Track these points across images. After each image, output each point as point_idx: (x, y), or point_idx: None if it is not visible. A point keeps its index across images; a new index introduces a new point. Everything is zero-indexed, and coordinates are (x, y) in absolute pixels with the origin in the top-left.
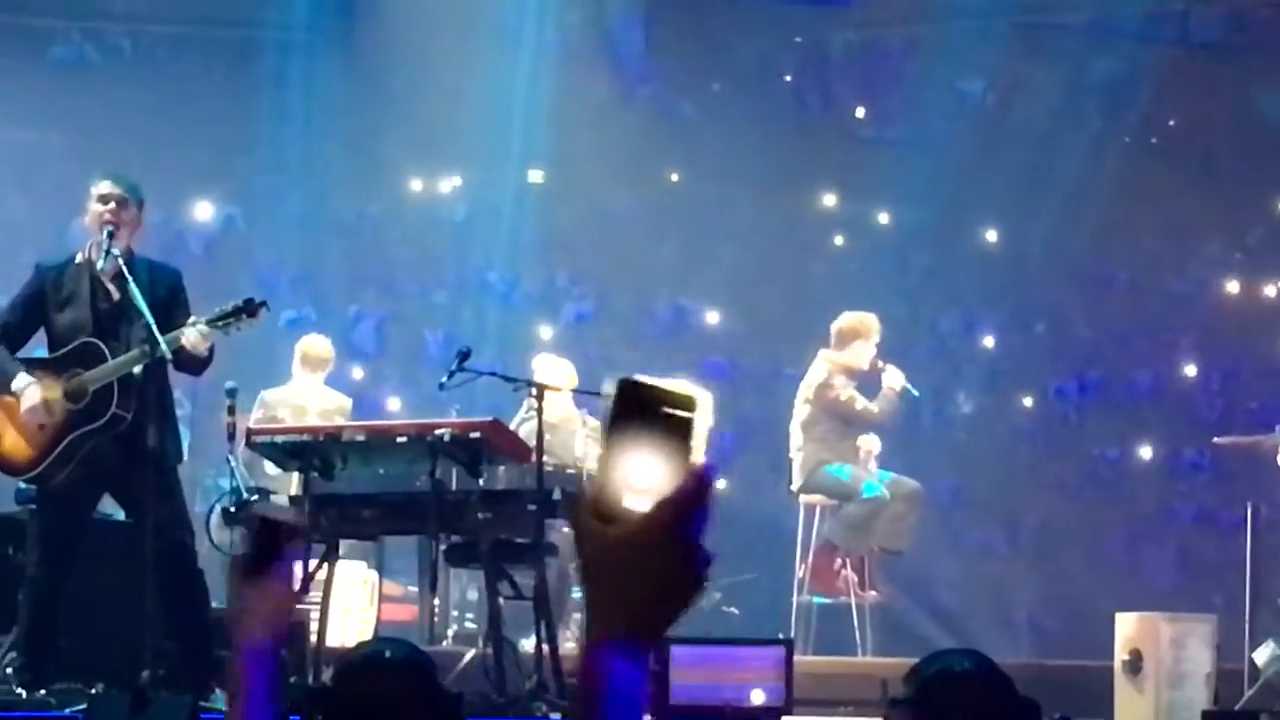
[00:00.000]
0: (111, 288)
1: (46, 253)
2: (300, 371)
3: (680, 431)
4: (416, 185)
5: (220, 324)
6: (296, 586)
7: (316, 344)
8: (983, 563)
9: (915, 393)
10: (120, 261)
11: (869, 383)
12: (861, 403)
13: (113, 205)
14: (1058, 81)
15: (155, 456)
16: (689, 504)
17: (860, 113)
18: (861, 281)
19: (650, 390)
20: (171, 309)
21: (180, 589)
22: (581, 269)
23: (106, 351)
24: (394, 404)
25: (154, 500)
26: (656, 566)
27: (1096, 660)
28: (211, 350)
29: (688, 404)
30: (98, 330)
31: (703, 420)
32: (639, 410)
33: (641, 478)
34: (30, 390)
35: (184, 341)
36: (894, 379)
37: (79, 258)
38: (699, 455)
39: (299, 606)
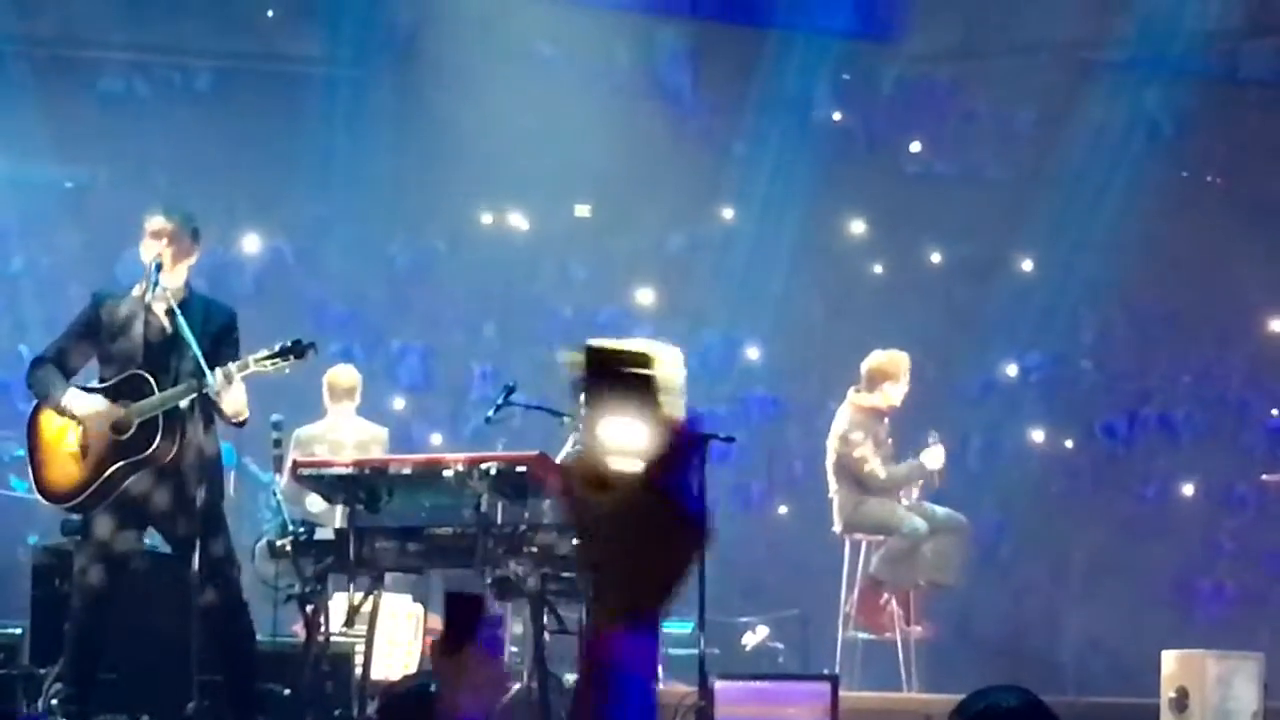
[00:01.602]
0: (164, 321)
1: (95, 286)
2: (330, 404)
3: (644, 388)
4: (465, 219)
5: (267, 363)
6: (501, 665)
7: (342, 373)
8: (1029, 599)
9: (936, 482)
10: (168, 294)
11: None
12: (871, 465)
13: (165, 240)
14: (1105, 117)
15: (198, 490)
16: (671, 457)
17: (907, 148)
18: (907, 315)
19: (610, 353)
20: (221, 347)
21: (225, 622)
22: (627, 302)
23: (154, 384)
24: (438, 438)
25: (199, 534)
26: (653, 528)
27: (1143, 698)
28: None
29: (644, 360)
30: (147, 363)
31: (675, 373)
32: (605, 375)
33: (620, 439)
34: (79, 401)
35: (216, 393)
36: (933, 459)
37: (136, 290)
38: (675, 409)
39: (344, 638)
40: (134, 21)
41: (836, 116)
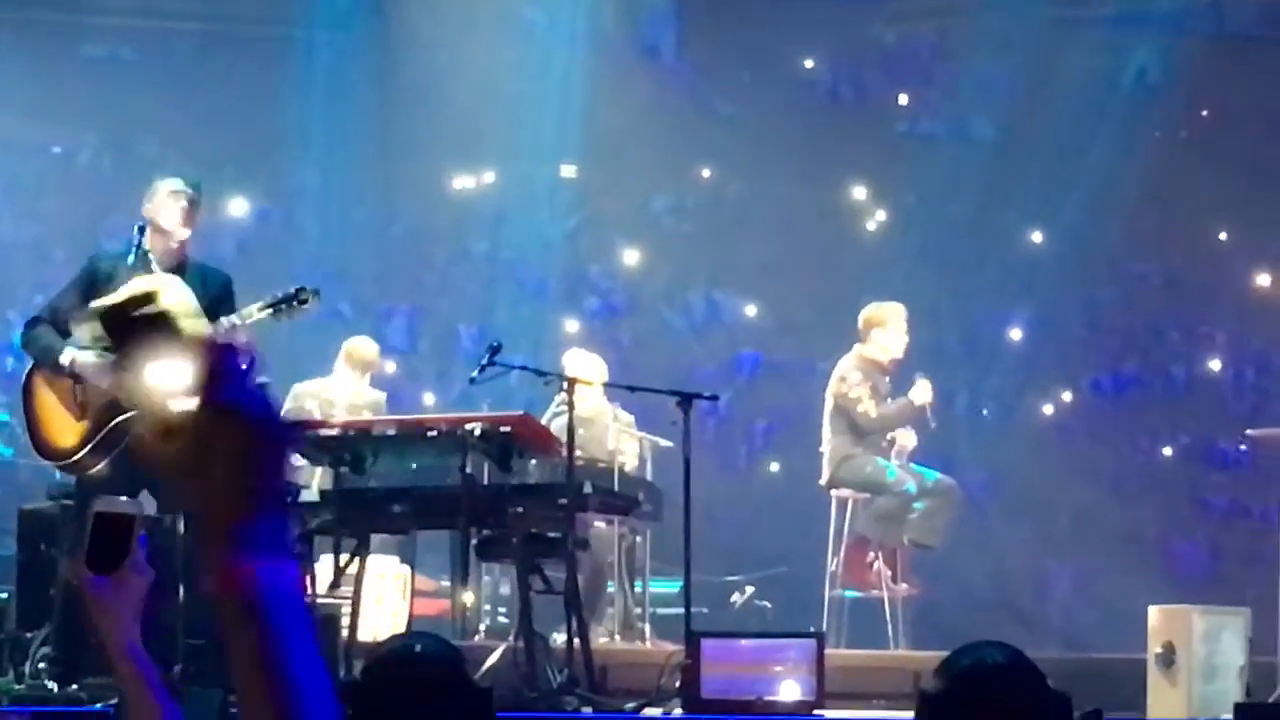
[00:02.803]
0: None
1: (82, 250)
2: (344, 369)
3: (159, 324)
4: (449, 181)
5: (271, 311)
6: (147, 574)
7: (364, 346)
8: (1015, 556)
9: (932, 423)
10: (150, 258)
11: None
12: (865, 405)
13: (188, 205)
14: (1090, 74)
15: None
16: (214, 373)
17: (893, 106)
18: (895, 275)
19: (117, 307)
20: (220, 311)
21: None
22: (614, 263)
23: None
24: (427, 399)
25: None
26: (225, 443)
27: (1129, 653)
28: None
29: (147, 299)
30: None
31: (183, 299)
32: (120, 328)
33: (164, 381)
34: (83, 356)
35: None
36: (921, 393)
37: (129, 254)
38: (196, 329)
39: (331, 600)
40: None
41: (822, 75)
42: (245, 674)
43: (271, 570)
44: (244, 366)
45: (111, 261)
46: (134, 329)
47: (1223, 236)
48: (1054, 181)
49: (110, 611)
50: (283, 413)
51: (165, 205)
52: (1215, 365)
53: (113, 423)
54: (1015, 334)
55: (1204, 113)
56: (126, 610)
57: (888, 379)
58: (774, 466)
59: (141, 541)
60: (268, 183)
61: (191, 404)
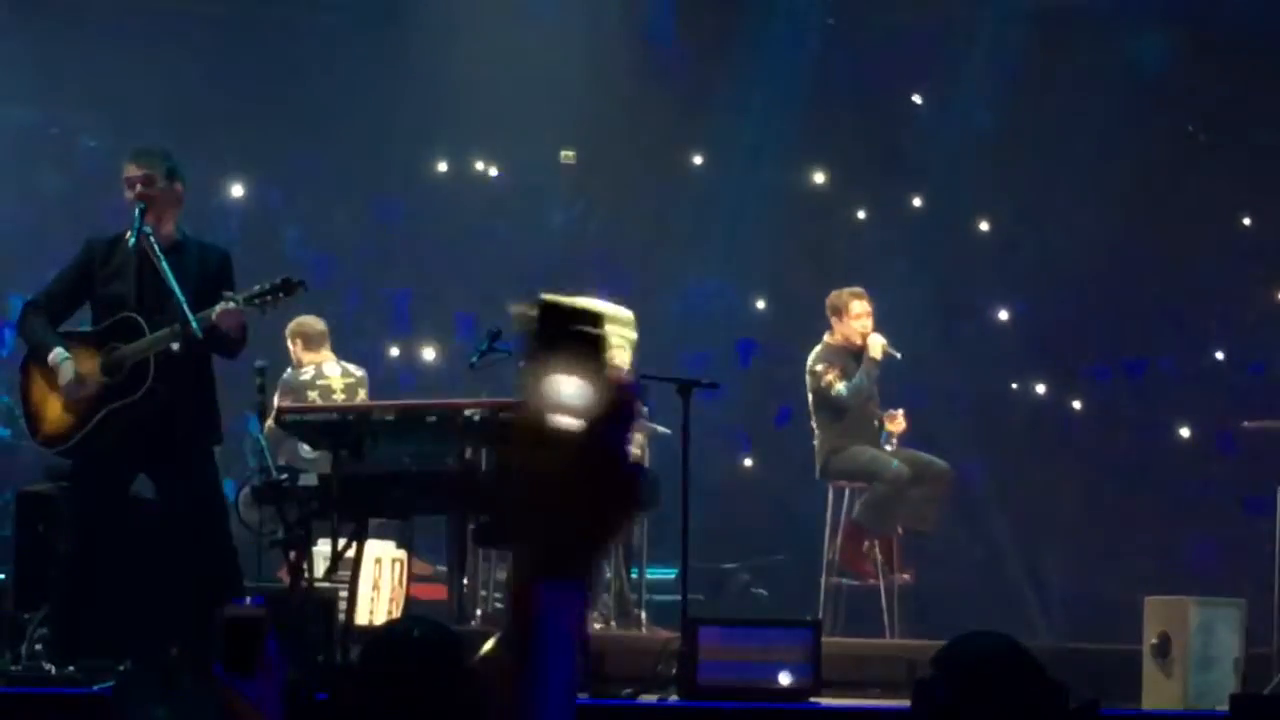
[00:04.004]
0: (155, 265)
1: (81, 231)
2: (304, 353)
3: (591, 347)
4: (447, 165)
5: (256, 301)
6: (282, 668)
7: (309, 322)
8: (1011, 545)
9: (897, 354)
10: (151, 239)
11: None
12: (836, 386)
13: (138, 186)
14: (1086, 63)
15: (191, 435)
16: (613, 418)
17: (892, 95)
18: (889, 263)
19: (562, 309)
20: (219, 289)
21: (212, 568)
22: (611, 249)
23: (145, 327)
24: (424, 383)
25: (188, 479)
26: (587, 487)
27: (1125, 644)
28: (245, 331)
29: (595, 319)
30: (139, 306)
31: (626, 334)
32: (554, 331)
33: (563, 396)
34: (65, 366)
35: (213, 317)
36: (873, 347)
37: (128, 233)
38: (621, 371)
39: (328, 584)
40: None
41: (821, 62)
42: (501, 689)
43: (569, 616)
44: (634, 407)
45: (108, 245)
46: (566, 337)
47: (1223, 227)
48: (1050, 170)
49: (255, 712)
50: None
51: (125, 187)
52: (1212, 356)
53: (106, 410)
54: (1012, 323)
55: (1203, 103)
56: (269, 706)
57: (859, 362)
58: (771, 455)
59: (274, 656)
60: (268, 164)
61: (573, 428)
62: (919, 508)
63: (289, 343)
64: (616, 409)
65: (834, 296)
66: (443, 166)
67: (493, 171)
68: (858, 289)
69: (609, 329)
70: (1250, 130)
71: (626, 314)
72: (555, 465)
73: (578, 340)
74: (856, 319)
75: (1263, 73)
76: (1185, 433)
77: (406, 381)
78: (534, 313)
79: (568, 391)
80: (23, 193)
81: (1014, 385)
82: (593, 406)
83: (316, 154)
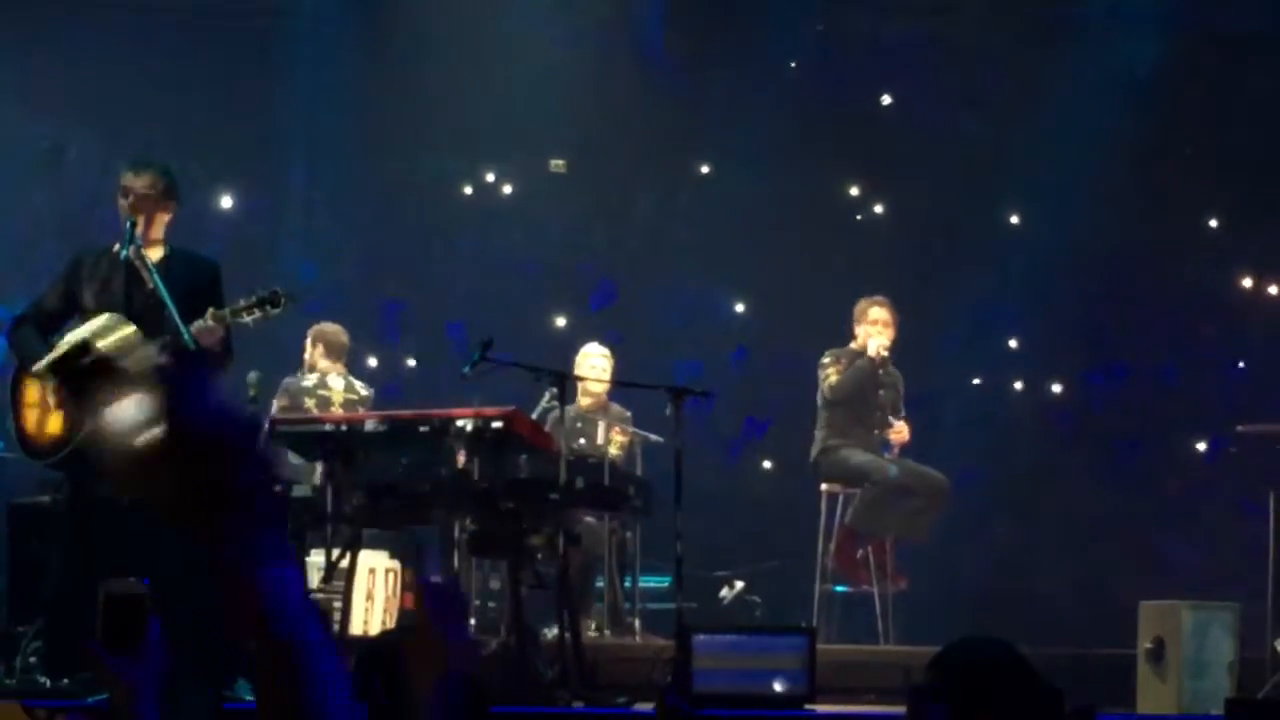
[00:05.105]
0: (144, 277)
1: (71, 242)
2: (321, 360)
3: (105, 369)
4: (438, 175)
5: (244, 313)
6: (162, 650)
7: (335, 331)
8: (1005, 551)
9: (876, 358)
10: (141, 251)
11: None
12: (830, 381)
13: (133, 197)
14: (1082, 69)
15: None
16: (168, 401)
17: (883, 100)
18: (885, 269)
19: (59, 363)
20: (208, 301)
21: (205, 578)
22: (604, 258)
23: None
24: (415, 393)
25: None
26: (200, 461)
27: (1119, 649)
28: (228, 346)
29: (84, 348)
30: (129, 318)
31: (117, 337)
32: (74, 380)
33: (124, 419)
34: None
35: (198, 328)
36: (870, 347)
37: (116, 246)
38: (143, 361)
39: (322, 595)
40: None
41: (813, 69)
42: (264, 684)
43: (274, 579)
44: (200, 380)
45: (97, 257)
46: (81, 379)
47: (1217, 231)
48: (1045, 175)
49: (130, 688)
50: (278, 411)
51: (118, 197)
52: (1207, 360)
53: (84, 426)
54: (1008, 328)
55: (1198, 109)
56: (147, 687)
57: (878, 369)
58: (765, 462)
59: (152, 619)
60: (257, 175)
61: (156, 433)
62: (911, 518)
63: (308, 344)
64: (170, 394)
65: (857, 306)
66: (434, 176)
67: (485, 181)
68: (881, 298)
69: (107, 343)
70: (1233, 130)
71: (102, 321)
72: (171, 469)
73: (88, 374)
74: (872, 324)
75: (1258, 79)
76: (1180, 437)
77: (395, 392)
78: (60, 384)
79: (121, 414)
80: (11, 205)
81: (1006, 390)
82: (151, 406)
83: (307, 165)
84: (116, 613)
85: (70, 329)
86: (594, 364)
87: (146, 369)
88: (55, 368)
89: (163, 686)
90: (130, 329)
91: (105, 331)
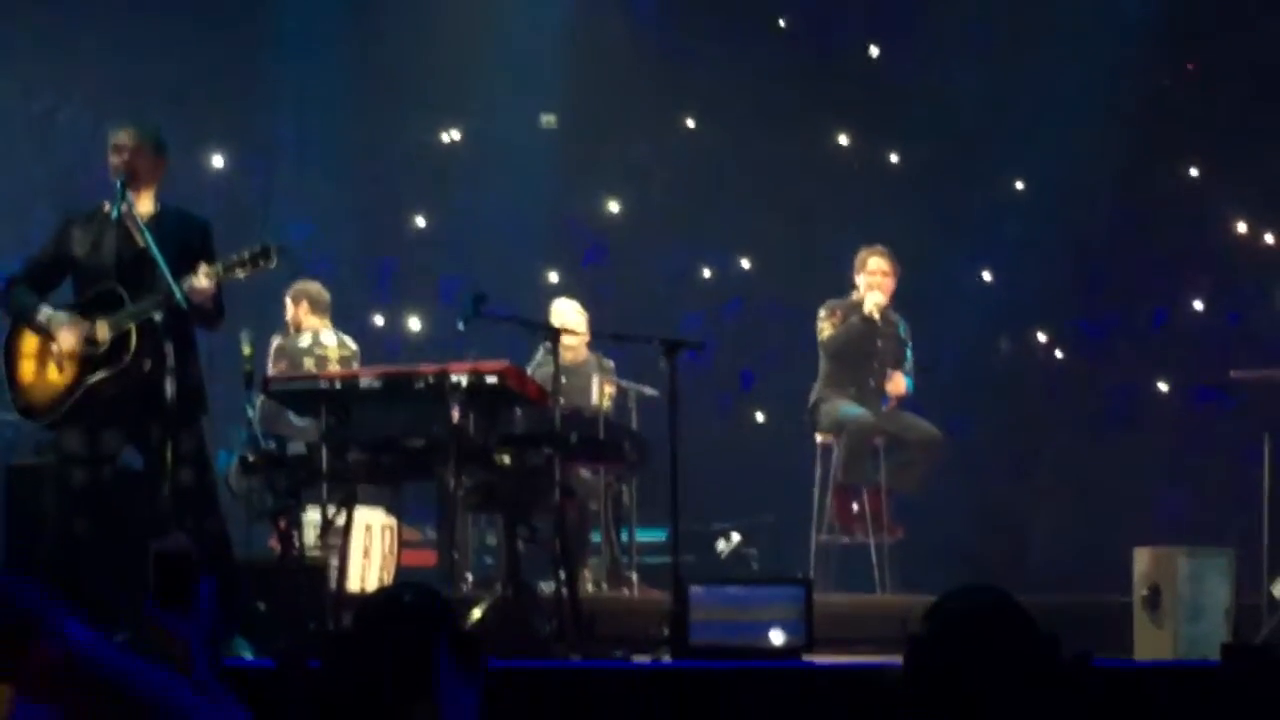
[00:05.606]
0: (135, 236)
1: (63, 205)
2: (308, 318)
3: None
4: (429, 131)
5: (236, 269)
6: (212, 606)
7: (318, 289)
8: (1000, 500)
9: (876, 316)
10: (134, 210)
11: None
12: (826, 333)
13: (126, 155)
14: (1075, 16)
15: (176, 405)
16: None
17: (874, 52)
18: (877, 220)
19: None
20: (199, 258)
21: (201, 537)
22: (596, 213)
23: (126, 298)
24: (410, 349)
25: (175, 449)
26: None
27: (1115, 595)
28: (220, 304)
29: None
30: (120, 277)
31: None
32: None
33: None
34: (56, 318)
35: (190, 285)
36: (866, 302)
37: (105, 206)
38: None
39: (318, 552)
40: None
41: (803, 22)
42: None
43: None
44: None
45: (87, 217)
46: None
47: (1206, 180)
48: (1035, 125)
49: (182, 644)
50: (270, 370)
51: (109, 157)
52: (1198, 306)
53: (90, 381)
54: (997, 277)
55: (1190, 58)
56: (198, 643)
57: (872, 321)
58: (759, 415)
59: (207, 591)
60: (248, 134)
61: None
62: (902, 470)
63: (289, 304)
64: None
65: (860, 252)
66: (425, 131)
67: (475, 136)
68: (880, 247)
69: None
70: (1228, 83)
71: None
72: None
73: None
74: (870, 275)
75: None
76: (1172, 383)
77: (392, 349)
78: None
79: None
80: (3, 169)
81: (999, 340)
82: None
83: (298, 123)
84: (167, 570)
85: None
86: (569, 319)
87: None
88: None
89: (213, 642)
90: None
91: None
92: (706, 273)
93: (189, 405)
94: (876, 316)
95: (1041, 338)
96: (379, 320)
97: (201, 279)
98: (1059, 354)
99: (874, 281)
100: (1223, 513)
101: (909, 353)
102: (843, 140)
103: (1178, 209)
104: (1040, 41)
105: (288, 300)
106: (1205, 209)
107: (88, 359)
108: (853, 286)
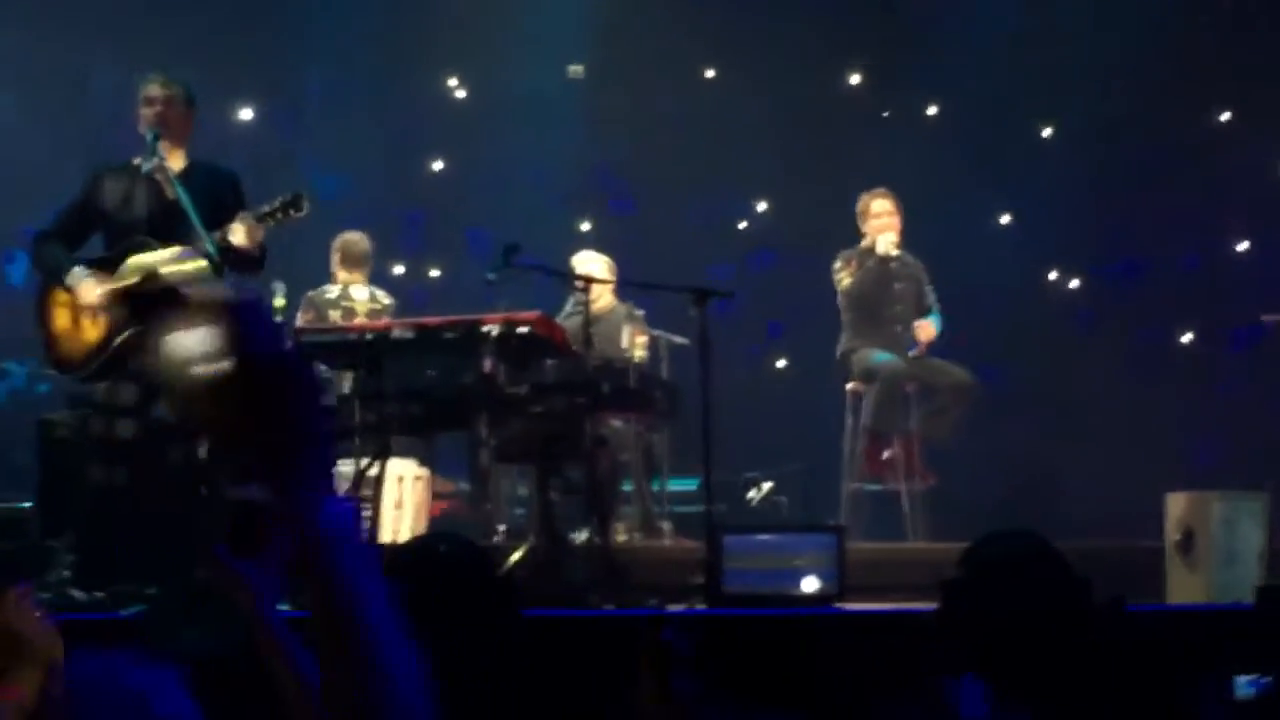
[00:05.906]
0: (165, 190)
1: (92, 162)
2: (341, 271)
3: (171, 299)
4: (454, 81)
5: (268, 218)
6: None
7: (358, 241)
8: (1031, 445)
9: (893, 253)
10: (165, 162)
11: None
12: (844, 283)
13: (159, 107)
14: None
15: None
16: (233, 332)
17: None
18: (904, 165)
19: (128, 291)
20: (230, 209)
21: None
22: (622, 162)
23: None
24: (440, 300)
25: None
26: (262, 393)
27: (1147, 540)
28: (264, 250)
29: (152, 276)
30: (151, 230)
31: (186, 266)
32: (141, 309)
33: (187, 349)
34: (85, 281)
35: (233, 239)
36: (880, 244)
37: (135, 160)
38: (208, 294)
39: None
40: None
41: None
42: (322, 623)
43: (329, 517)
44: (260, 316)
45: (117, 172)
46: (148, 307)
47: (1241, 122)
48: (1065, 67)
49: (254, 593)
50: (299, 322)
51: (140, 111)
52: (1231, 249)
53: (124, 335)
54: (1025, 222)
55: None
56: (268, 591)
57: (887, 264)
58: (789, 363)
59: (277, 549)
60: (276, 87)
61: (219, 366)
62: (934, 417)
63: (332, 256)
64: (234, 326)
65: (859, 201)
66: (452, 83)
67: (498, 86)
68: (881, 190)
69: (171, 271)
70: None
71: (172, 251)
72: (233, 400)
73: (155, 303)
74: (876, 218)
75: None
76: (1204, 327)
77: (420, 300)
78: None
79: (184, 344)
80: (34, 125)
81: (1029, 285)
82: (215, 337)
83: (325, 75)
84: (241, 519)
85: (129, 248)
86: (592, 270)
87: (213, 300)
88: (122, 295)
89: (282, 591)
90: (201, 262)
91: (174, 261)
92: (731, 220)
93: None
94: (894, 253)
95: (1073, 284)
96: (406, 271)
97: (241, 233)
98: (1090, 299)
99: (881, 224)
100: (1256, 456)
101: (931, 291)
102: (868, 87)
103: (1210, 153)
104: None
105: (333, 253)
106: (1238, 152)
107: (116, 320)
108: (860, 235)
